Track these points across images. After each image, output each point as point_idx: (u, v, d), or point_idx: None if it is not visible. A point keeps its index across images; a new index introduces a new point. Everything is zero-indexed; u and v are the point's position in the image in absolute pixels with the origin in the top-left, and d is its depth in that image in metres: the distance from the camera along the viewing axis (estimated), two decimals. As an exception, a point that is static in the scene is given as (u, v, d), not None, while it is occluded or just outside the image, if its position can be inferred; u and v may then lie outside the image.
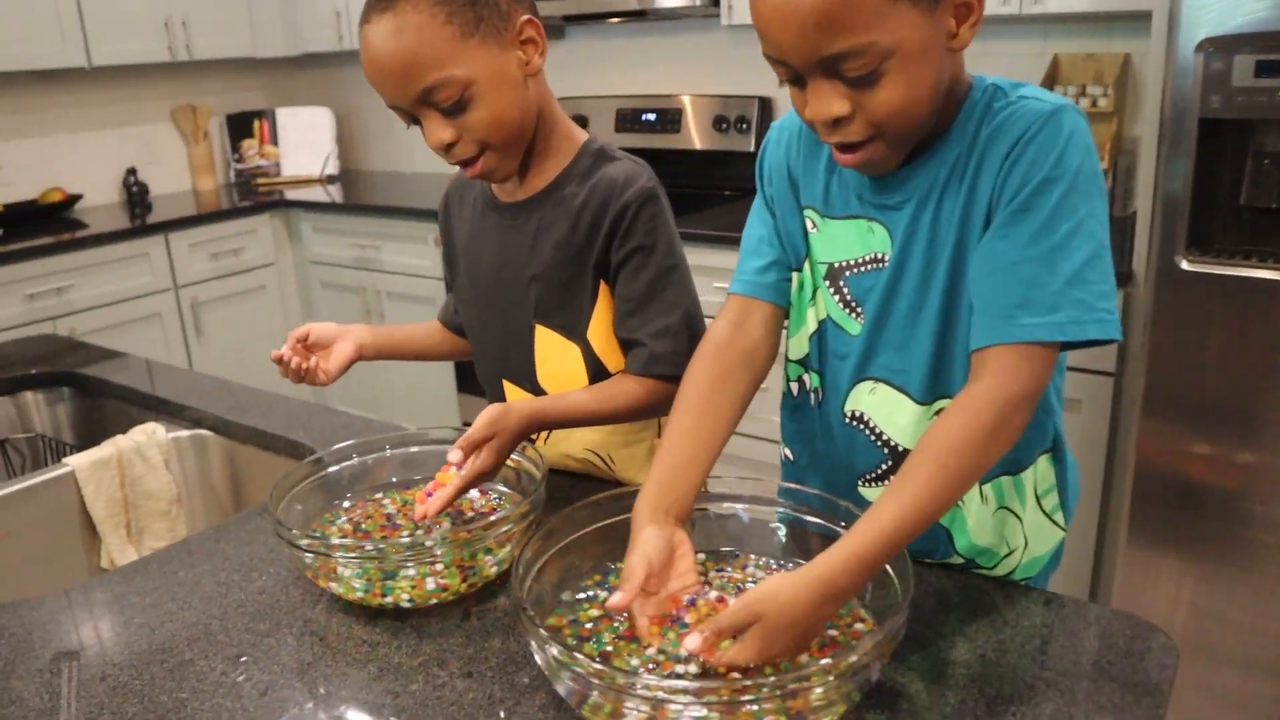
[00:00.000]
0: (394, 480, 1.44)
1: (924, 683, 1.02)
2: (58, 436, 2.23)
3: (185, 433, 1.95)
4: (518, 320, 1.47)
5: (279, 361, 1.53)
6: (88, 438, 2.20)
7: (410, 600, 1.18)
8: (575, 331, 1.44)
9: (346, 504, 1.39)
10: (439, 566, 1.17)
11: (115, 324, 3.98)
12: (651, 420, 1.51)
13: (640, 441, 1.50)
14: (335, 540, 1.26)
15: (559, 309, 1.44)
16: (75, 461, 1.83)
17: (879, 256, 1.15)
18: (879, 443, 1.20)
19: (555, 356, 1.45)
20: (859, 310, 1.18)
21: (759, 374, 1.24)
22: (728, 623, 0.91)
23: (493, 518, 1.20)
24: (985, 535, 1.22)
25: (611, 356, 1.44)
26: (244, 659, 1.14)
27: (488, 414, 1.25)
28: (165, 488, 1.92)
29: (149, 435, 1.92)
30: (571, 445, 1.51)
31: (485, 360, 1.57)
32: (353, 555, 1.14)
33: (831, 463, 1.28)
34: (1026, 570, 1.26)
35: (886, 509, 0.96)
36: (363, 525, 1.32)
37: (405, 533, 1.30)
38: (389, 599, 1.18)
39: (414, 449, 1.45)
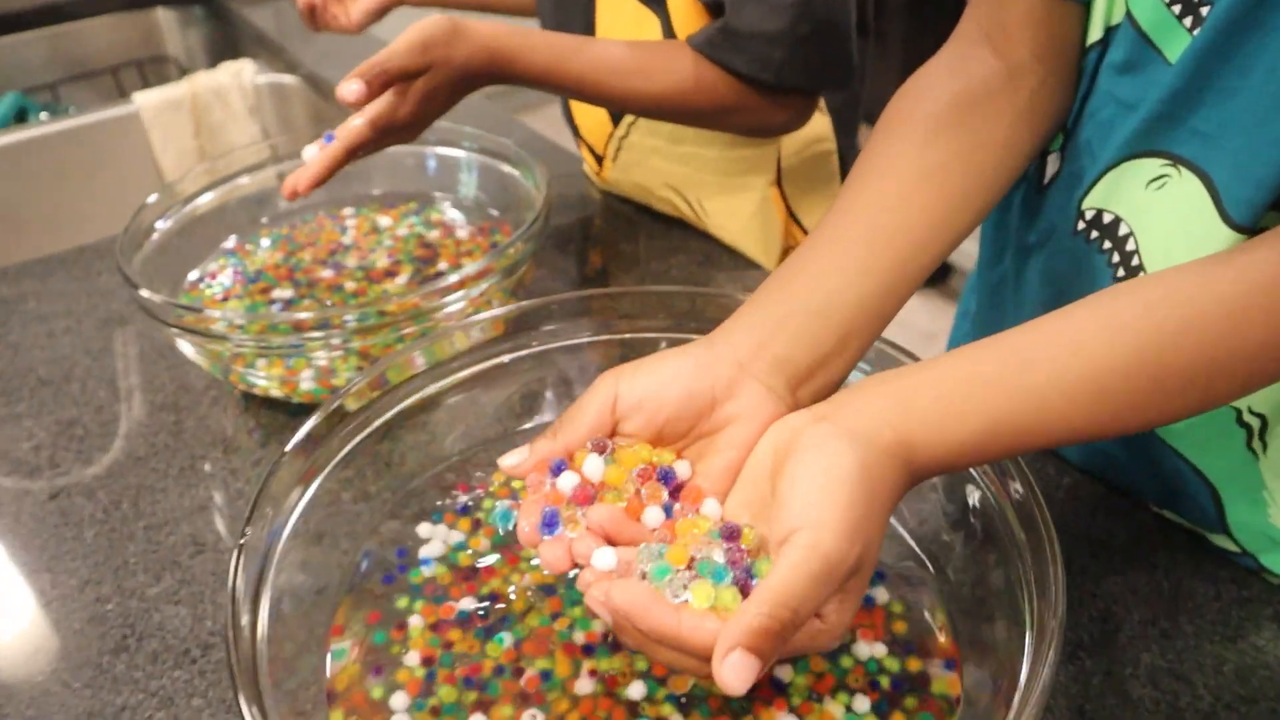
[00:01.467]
0: (374, 192, 0.99)
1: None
2: (189, 64, 1.95)
3: (270, 78, 1.58)
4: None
5: None
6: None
7: (286, 395, 0.77)
8: (657, -7, 0.87)
9: (299, 218, 0.96)
10: (332, 357, 0.74)
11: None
12: (763, 161, 0.95)
13: (744, 190, 0.95)
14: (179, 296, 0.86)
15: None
16: (143, 100, 1.53)
17: None
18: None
19: (625, 31, 0.89)
20: (1200, 11, 0.53)
21: (1024, 125, 0.59)
22: (809, 593, 0.38)
23: (451, 276, 0.73)
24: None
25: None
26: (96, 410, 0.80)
27: (421, 30, 0.75)
28: (248, 141, 1.60)
29: (234, 76, 1.57)
30: (647, 176, 0.98)
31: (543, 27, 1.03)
32: (192, 328, 0.72)
33: (1022, 314, 0.69)
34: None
35: (1059, 365, 0.44)
36: (295, 258, 0.90)
37: (340, 288, 0.86)
38: (255, 387, 0.78)
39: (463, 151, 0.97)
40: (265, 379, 0.75)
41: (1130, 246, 0.58)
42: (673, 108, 0.83)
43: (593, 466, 0.47)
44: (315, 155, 0.76)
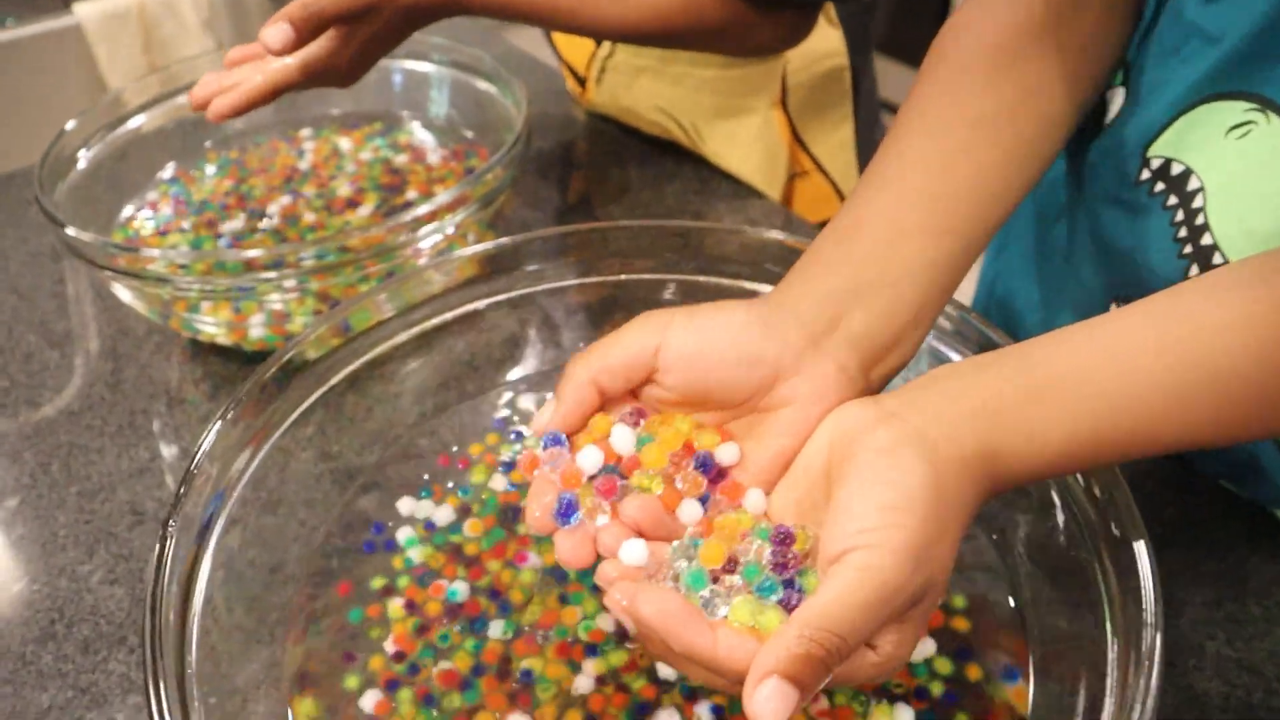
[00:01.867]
0: (334, 112, 0.90)
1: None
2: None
3: (226, -12, 1.46)
4: None
5: None
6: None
7: (235, 343, 0.69)
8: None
9: (249, 141, 0.87)
10: (287, 299, 0.66)
11: None
12: (765, 80, 0.86)
13: (744, 113, 0.86)
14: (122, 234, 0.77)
15: None
16: (84, 11, 1.41)
17: None
18: (1189, 245, 0.51)
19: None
20: None
21: (1089, 56, 0.51)
22: (860, 621, 0.32)
23: (421, 207, 0.65)
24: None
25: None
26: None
27: None
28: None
29: (185, -15, 1.45)
30: (636, 99, 0.89)
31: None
32: (128, 269, 0.63)
33: (1074, 258, 0.61)
34: None
35: (1174, 363, 0.36)
36: (245, 185, 0.81)
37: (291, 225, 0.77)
38: (200, 334, 0.69)
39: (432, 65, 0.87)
40: (211, 324, 0.67)
41: (1197, 204, 0.50)
42: (653, 31, 0.73)
43: (623, 439, 0.39)
44: (248, 79, 0.66)
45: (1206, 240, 0.50)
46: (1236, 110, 0.47)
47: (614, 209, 0.86)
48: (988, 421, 0.36)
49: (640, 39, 0.75)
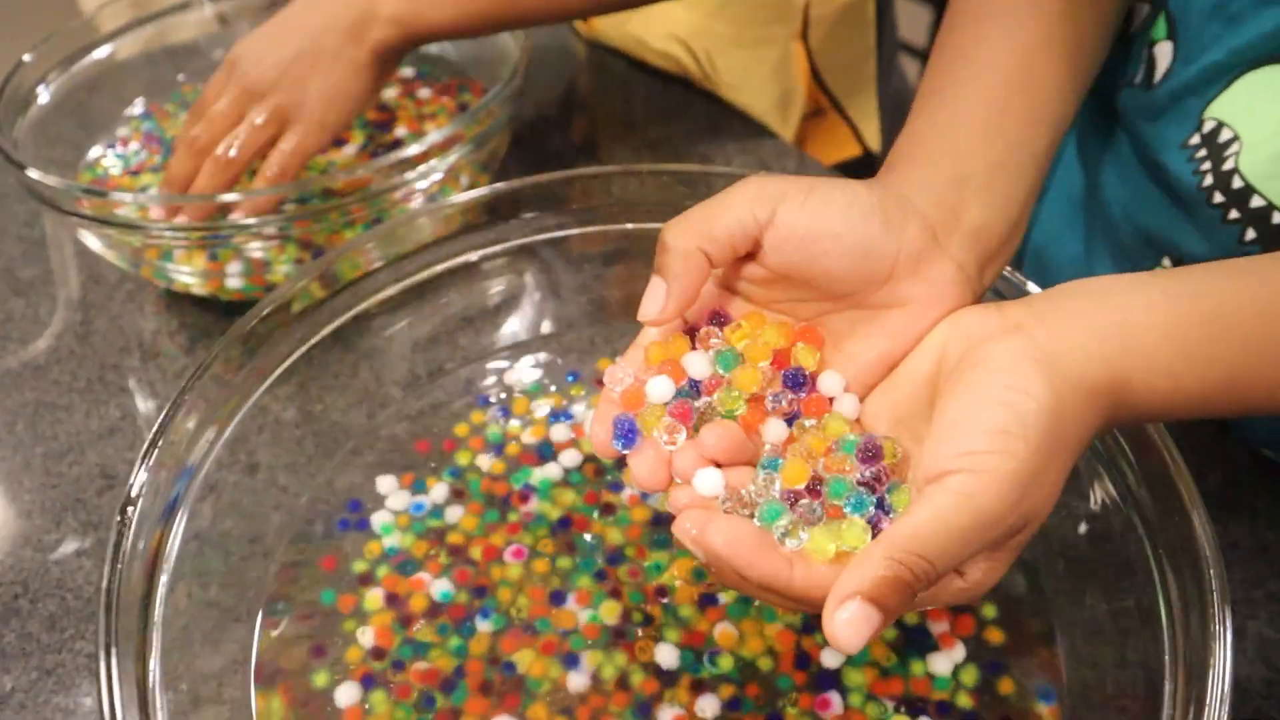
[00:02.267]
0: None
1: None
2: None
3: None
4: None
5: None
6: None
7: (210, 293, 0.65)
8: None
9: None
10: (266, 247, 0.61)
11: None
12: (787, 9, 0.80)
13: (765, 43, 0.80)
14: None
15: None
16: (56, -69, 1.33)
17: None
18: (1235, 208, 0.47)
19: None
20: None
21: None
22: (952, 548, 0.30)
23: (411, 146, 0.60)
24: None
25: None
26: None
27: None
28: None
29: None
30: (646, 26, 0.83)
31: None
32: (95, 215, 0.58)
33: (1110, 222, 0.57)
34: None
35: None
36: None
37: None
38: (174, 284, 0.65)
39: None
40: (186, 274, 0.62)
41: (1228, 166, 0.46)
42: None
43: (698, 366, 0.37)
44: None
45: (1237, 183, 0.47)
46: None
47: (618, 150, 0.81)
48: (1123, 348, 0.33)
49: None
